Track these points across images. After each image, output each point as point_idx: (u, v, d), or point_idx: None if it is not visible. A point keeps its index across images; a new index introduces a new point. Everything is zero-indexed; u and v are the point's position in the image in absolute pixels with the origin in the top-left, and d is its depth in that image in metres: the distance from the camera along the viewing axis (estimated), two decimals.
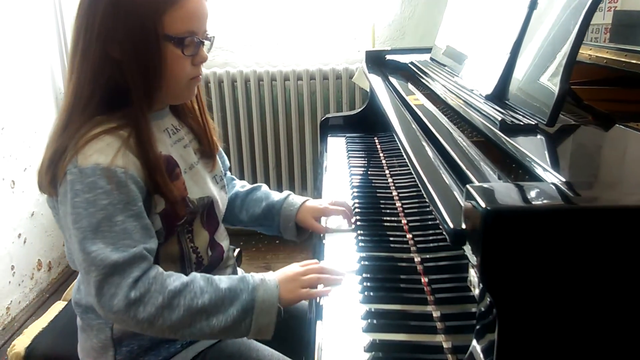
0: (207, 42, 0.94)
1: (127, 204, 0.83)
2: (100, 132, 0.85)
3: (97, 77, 0.87)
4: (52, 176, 0.87)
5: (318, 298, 0.90)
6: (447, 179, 0.74)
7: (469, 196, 0.52)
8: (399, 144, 0.99)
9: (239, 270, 1.24)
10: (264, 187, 1.22)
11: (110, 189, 0.82)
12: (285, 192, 1.20)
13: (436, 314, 0.82)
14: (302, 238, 1.19)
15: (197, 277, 0.87)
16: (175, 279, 0.85)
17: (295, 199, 1.18)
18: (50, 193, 0.90)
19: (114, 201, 0.82)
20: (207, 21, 0.93)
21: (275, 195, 1.19)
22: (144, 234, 0.85)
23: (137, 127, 0.88)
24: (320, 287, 0.91)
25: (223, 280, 0.87)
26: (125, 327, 0.91)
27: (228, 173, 1.26)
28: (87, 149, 0.83)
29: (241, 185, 1.24)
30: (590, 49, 1.23)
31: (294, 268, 0.93)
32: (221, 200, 1.07)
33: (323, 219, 1.17)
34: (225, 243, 1.09)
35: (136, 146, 0.87)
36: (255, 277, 0.89)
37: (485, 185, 0.55)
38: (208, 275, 0.88)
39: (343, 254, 1.03)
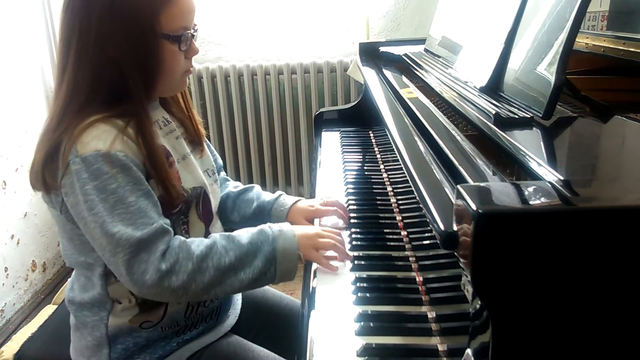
0: (196, 35, 0.95)
1: (135, 184, 0.85)
2: (95, 119, 0.86)
3: (95, 78, 0.88)
4: (52, 171, 0.87)
5: (310, 300, 0.88)
6: (439, 175, 0.72)
7: (459, 197, 0.49)
8: (391, 140, 0.96)
9: None
10: (257, 188, 1.21)
11: (116, 173, 0.84)
12: (277, 193, 1.19)
13: (431, 314, 0.80)
14: None
15: (217, 237, 0.91)
16: (199, 244, 0.89)
17: (287, 199, 1.16)
18: (49, 188, 0.89)
19: (122, 183, 0.84)
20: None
21: (267, 196, 1.18)
22: (157, 210, 0.87)
23: (138, 120, 0.89)
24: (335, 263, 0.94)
25: (243, 236, 0.92)
26: (160, 299, 0.93)
27: (222, 173, 1.25)
28: (84, 137, 0.84)
29: (234, 186, 1.22)
30: (587, 37, 1.20)
31: (314, 228, 0.99)
32: (214, 193, 1.07)
33: (316, 220, 1.13)
34: None
35: (136, 136, 0.88)
36: (273, 227, 0.94)
37: (477, 185, 0.52)
38: (227, 233, 0.93)
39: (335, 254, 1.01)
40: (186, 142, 1.04)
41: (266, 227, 0.94)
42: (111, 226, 0.82)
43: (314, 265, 0.96)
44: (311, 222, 1.12)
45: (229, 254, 0.88)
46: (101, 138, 0.84)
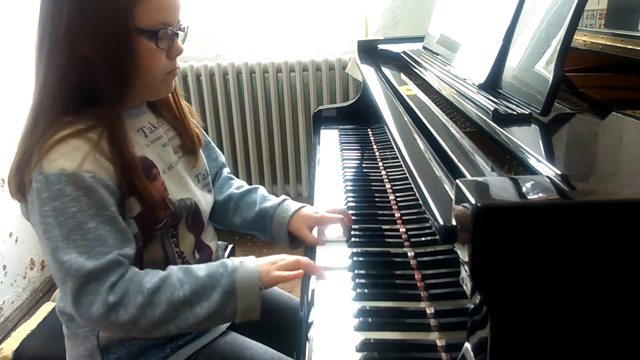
0: (181, 33, 0.90)
1: (98, 209, 0.80)
2: (67, 134, 0.81)
3: (65, 77, 0.83)
4: (19, 183, 0.83)
5: (309, 296, 0.88)
6: (438, 172, 0.72)
7: (458, 191, 0.50)
8: (390, 136, 0.97)
9: None
10: (261, 190, 1.15)
11: (78, 196, 0.78)
12: (281, 197, 1.12)
13: (430, 310, 0.80)
14: (297, 246, 1.10)
15: (174, 269, 0.85)
16: (153, 276, 0.82)
17: (290, 205, 1.09)
18: (20, 200, 0.86)
19: (83, 207, 0.79)
20: (181, 11, 0.89)
21: (270, 200, 1.11)
22: (119, 238, 0.82)
23: (110, 126, 0.84)
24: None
25: (202, 268, 0.85)
26: (108, 333, 0.89)
27: (225, 171, 1.19)
28: (52, 154, 0.79)
29: (237, 187, 1.16)
30: (585, 35, 1.20)
31: (273, 256, 0.92)
32: (204, 201, 1.02)
33: (315, 228, 1.07)
34: (213, 244, 1.06)
35: (109, 148, 0.83)
36: (233, 260, 0.88)
37: (475, 179, 0.52)
38: (185, 266, 0.87)
39: (335, 255, 1.00)
40: (175, 148, 0.99)
41: (227, 260, 0.88)
42: (63, 253, 0.77)
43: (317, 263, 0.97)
44: (313, 230, 1.07)
45: (183, 287, 0.82)
46: (69, 156, 0.79)
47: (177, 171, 0.97)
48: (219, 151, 1.19)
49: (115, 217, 0.82)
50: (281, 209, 1.08)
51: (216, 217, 1.13)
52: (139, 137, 0.92)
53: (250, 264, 0.88)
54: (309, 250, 1.04)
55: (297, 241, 1.09)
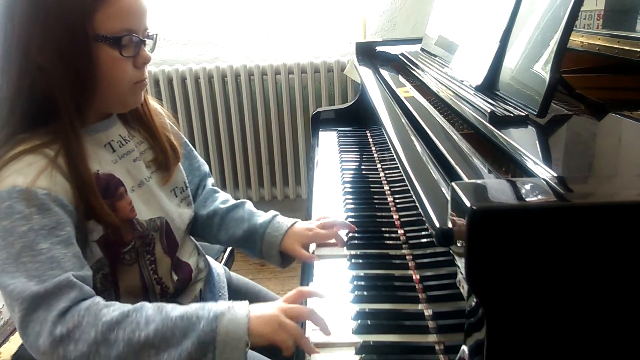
0: (149, 41, 0.85)
1: (52, 228, 0.73)
2: (21, 151, 0.76)
3: (19, 90, 0.77)
4: None
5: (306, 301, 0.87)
6: (435, 174, 0.72)
7: (454, 194, 0.50)
8: (387, 139, 0.97)
9: (231, 273, 1.20)
10: (248, 205, 1.07)
11: (30, 213, 0.72)
12: (271, 213, 1.04)
13: (428, 312, 0.80)
14: (287, 265, 1.04)
15: (145, 305, 0.73)
16: (115, 309, 0.71)
17: (282, 222, 1.02)
18: None
19: (35, 227, 0.72)
20: (147, 18, 0.83)
21: (260, 217, 1.03)
22: (76, 262, 0.74)
23: (66, 142, 0.78)
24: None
25: (177, 308, 0.73)
26: None
27: (210, 182, 1.12)
28: (4, 171, 0.74)
29: (222, 201, 1.08)
30: (582, 36, 1.20)
31: (276, 304, 0.78)
32: (180, 217, 0.96)
33: (311, 246, 1.03)
34: (192, 260, 1.01)
35: (67, 165, 0.77)
36: (220, 303, 0.75)
37: (471, 182, 0.52)
38: (160, 303, 0.75)
39: (333, 265, 0.99)
40: (148, 163, 0.93)
41: (212, 303, 0.75)
42: (8, 277, 0.70)
43: (315, 266, 0.97)
44: (307, 248, 1.01)
45: (147, 327, 0.69)
46: (22, 172, 0.73)
47: (148, 188, 0.91)
48: (202, 160, 1.12)
49: (71, 239, 0.75)
50: (272, 227, 1.01)
51: (199, 231, 1.07)
52: (105, 153, 0.86)
53: (241, 311, 0.73)
54: (306, 266, 1.00)
55: (287, 260, 1.03)
